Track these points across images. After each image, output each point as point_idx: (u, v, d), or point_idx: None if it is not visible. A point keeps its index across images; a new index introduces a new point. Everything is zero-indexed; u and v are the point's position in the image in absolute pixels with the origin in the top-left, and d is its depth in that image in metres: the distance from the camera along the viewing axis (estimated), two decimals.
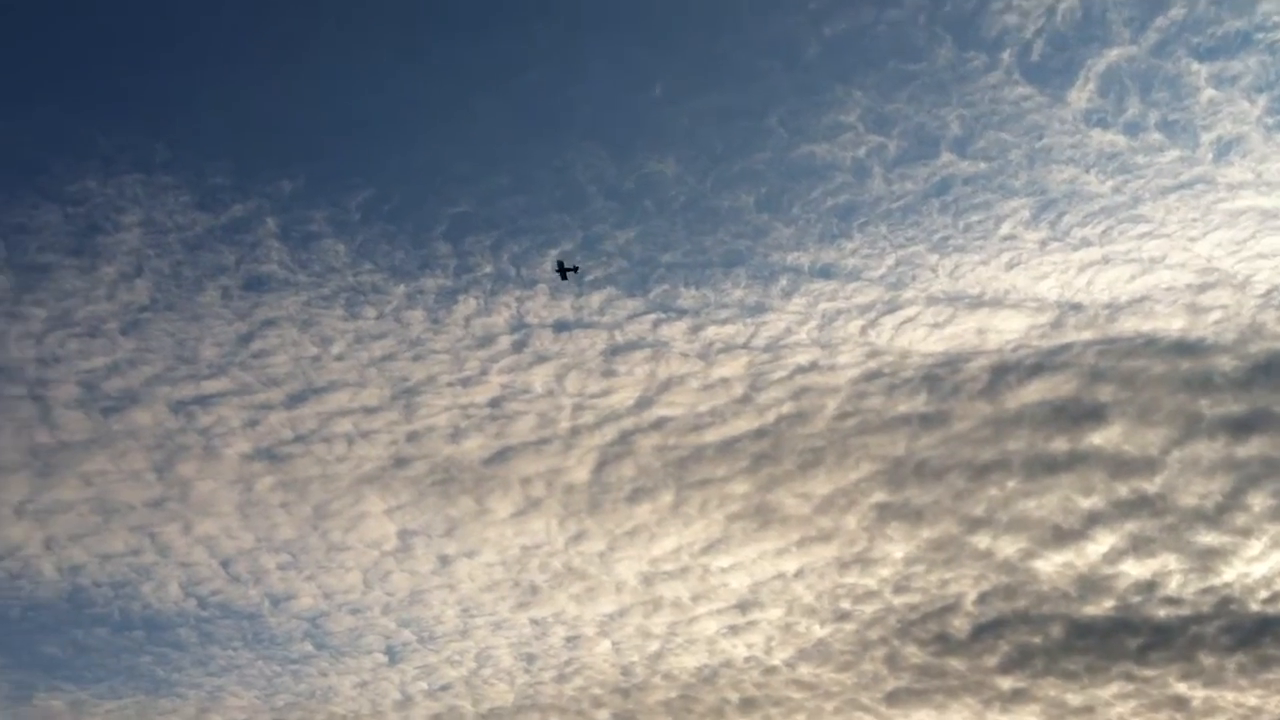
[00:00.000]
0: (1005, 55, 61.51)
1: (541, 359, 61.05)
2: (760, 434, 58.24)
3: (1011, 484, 54.59)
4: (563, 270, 58.28)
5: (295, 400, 60.49)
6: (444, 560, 60.15)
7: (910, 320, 59.60)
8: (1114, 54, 60.10)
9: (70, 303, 59.13)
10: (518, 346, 61.33)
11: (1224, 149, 58.52)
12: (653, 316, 61.76)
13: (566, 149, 63.98)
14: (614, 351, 61.12)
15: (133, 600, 60.01)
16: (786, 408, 58.50)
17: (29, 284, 58.75)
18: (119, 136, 59.51)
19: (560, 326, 61.70)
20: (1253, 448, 52.05)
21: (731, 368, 60.13)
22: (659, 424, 59.43)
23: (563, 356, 61.08)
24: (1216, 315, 55.30)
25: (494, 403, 60.50)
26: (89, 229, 59.00)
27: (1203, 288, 56.24)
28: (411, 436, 60.20)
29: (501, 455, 59.54)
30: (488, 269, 62.19)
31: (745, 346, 60.43)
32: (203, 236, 60.09)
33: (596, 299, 62.07)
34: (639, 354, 60.94)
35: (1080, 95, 60.66)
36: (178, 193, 59.74)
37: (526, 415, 60.11)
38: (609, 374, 60.75)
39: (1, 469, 58.95)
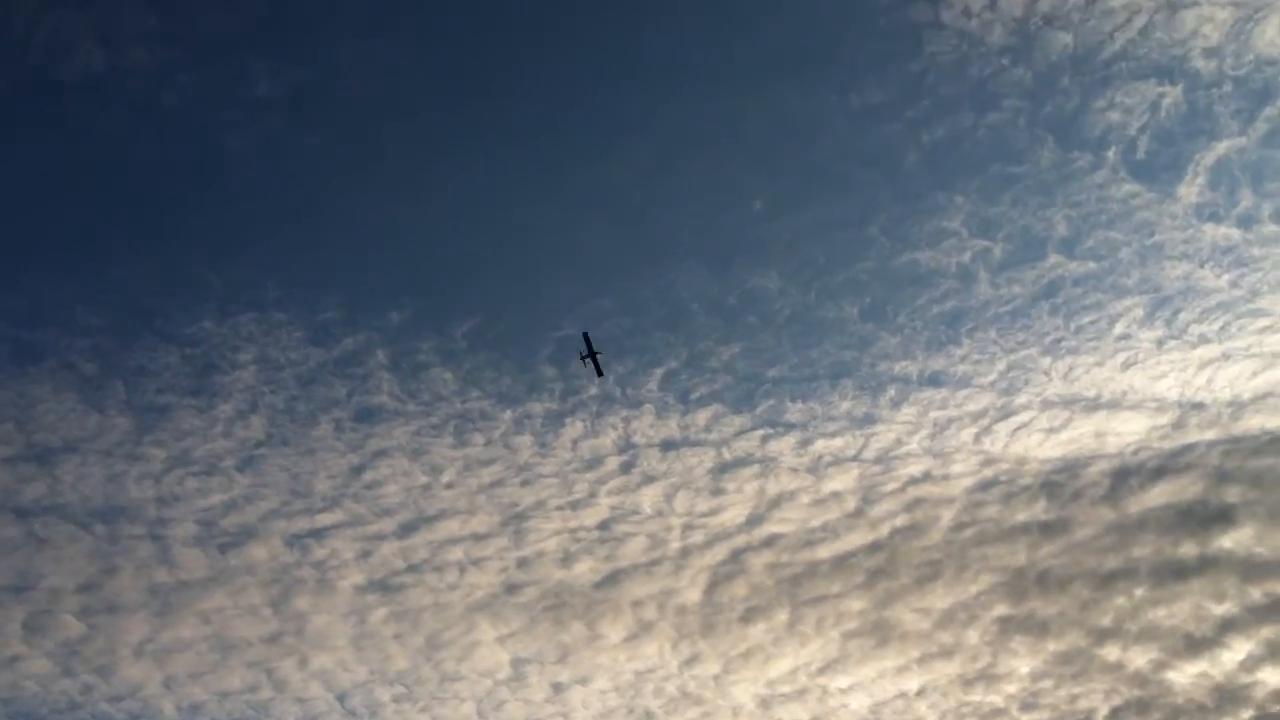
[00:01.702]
0: (1110, 153, 69.68)
1: (650, 479, 69.77)
2: (874, 548, 65.81)
3: (1139, 592, 61.11)
4: (591, 355, 64.38)
5: (407, 530, 70.09)
6: (557, 688, 68.43)
7: (1025, 426, 67.05)
8: (1222, 146, 67.87)
9: (188, 442, 69.86)
10: (626, 467, 70.21)
11: None
12: (760, 432, 70.21)
13: (668, 268, 73.51)
14: (722, 469, 69.63)
15: None
16: (900, 520, 66.09)
17: (148, 425, 69.67)
18: (233, 276, 70.55)
19: (667, 446, 70.48)
20: None
21: (842, 481, 68.08)
22: (770, 541, 67.46)
23: (671, 476, 69.76)
24: None
25: (603, 525, 69.27)
26: (206, 369, 69.90)
27: None
28: (522, 562, 69.17)
29: (612, 578, 68.02)
30: (593, 391, 71.43)
31: (855, 459, 68.41)
32: (315, 371, 70.67)
33: (703, 416, 70.82)
34: (747, 470, 69.33)
35: (1190, 190, 68.36)
36: (290, 329, 70.53)
37: (636, 537, 68.69)
38: (718, 492, 69.17)
39: (122, 609, 69.21)
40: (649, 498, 69.70)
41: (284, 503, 70.07)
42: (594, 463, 70.76)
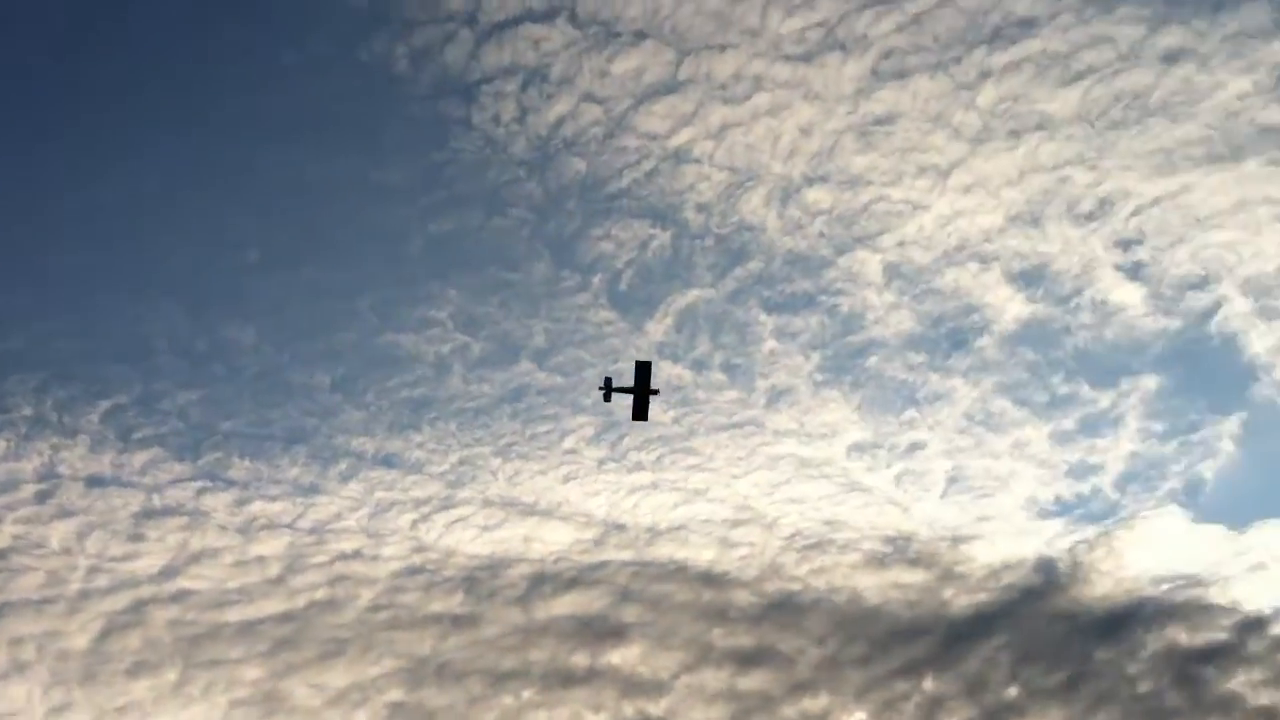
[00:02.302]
0: (596, 279, 77.05)
1: (66, 513, 68.59)
2: (287, 618, 67.51)
3: (527, 694, 66.03)
4: (641, 391, 56.45)
5: None
6: None
7: (462, 520, 71.62)
8: (693, 294, 76.67)
9: None
10: (42, 497, 68.69)
11: (775, 397, 75.24)
12: (198, 484, 70.97)
13: (140, 302, 73.64)
14: (148, 515, 69.55)
15: None
16: (320, 594, 68.32)
17: None
18: None
19: (95, 482, 69.74)
20: (754, 680, 65.95)
21: (271, 546, 69.75)
22: (180, 596, 67.70)
23: (90, 514, 68.86)
24: (743, 551, 70.17)
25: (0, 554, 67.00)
26: None
27: (736, 523, 71.30)
28: None
29: None
30: (26, 411, 69.71)
31: (290, 526, 70.32)
32: None
33: (141, 458, 70.77)
34: (175, 521, 69.68)
35: (658, 327, 76.53)
36: None
37: (35, 572, 67.02)
38: (137, 538, 68.96)
39: None
40: (59, 533, 68.32)
41: None
42: (8, 486, 68.84)
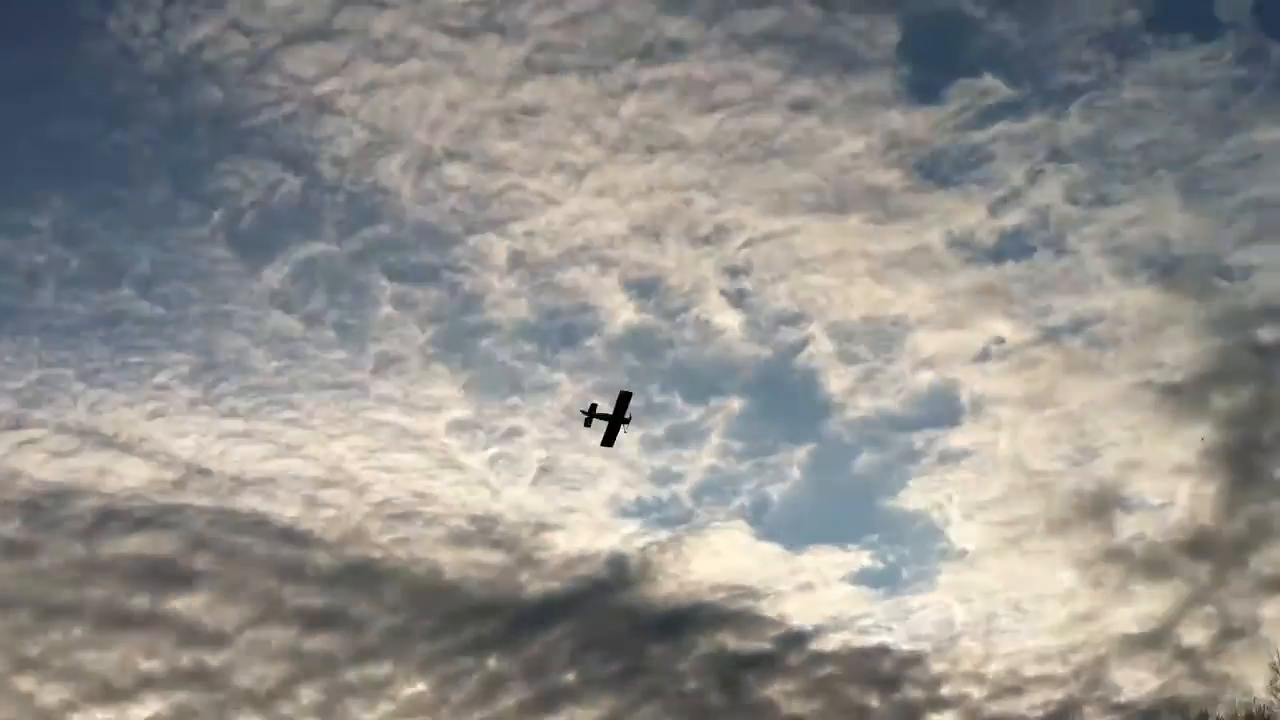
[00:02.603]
0: (217, 214, 75.41)
1: None
2: None
3: (79, 631, 64.10)
4: (616, 419, 55.15)
5: None
6: None
7: (32, 442, 68.49)
8: (317, 248, 76.49)
9: None
10: None
11: (385, 363, 76.17)
12: None
13: None
14: None
15: None
16: None
17: None
18: None
19: None
20: (318, 642, 66.69)
21: None
22: None
23: None
24: (330, 512, 70.66)
25: None
26: None
27: (326, 483, 71.70)
28: None
29: None
30: None
31: None
32: None
33: None
34: None
35: (274, 275, 75.83)
36: None
37: None
38: None
39: None
40: None
41: None
42: None
